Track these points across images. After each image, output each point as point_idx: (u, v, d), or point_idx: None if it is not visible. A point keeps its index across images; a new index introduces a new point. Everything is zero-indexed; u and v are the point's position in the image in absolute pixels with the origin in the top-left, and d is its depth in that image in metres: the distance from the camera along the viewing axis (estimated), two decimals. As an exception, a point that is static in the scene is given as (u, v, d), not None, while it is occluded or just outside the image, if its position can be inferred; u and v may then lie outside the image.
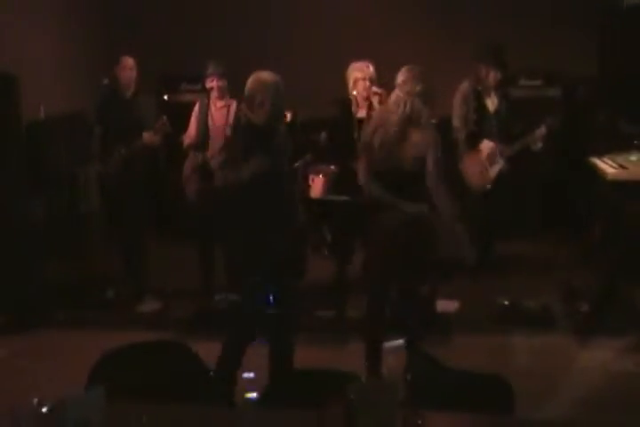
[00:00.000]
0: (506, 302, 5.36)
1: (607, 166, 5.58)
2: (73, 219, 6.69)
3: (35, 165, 5.96)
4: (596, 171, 5.73)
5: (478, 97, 5.91)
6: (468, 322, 5.22)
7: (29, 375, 4.48)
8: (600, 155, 5.83)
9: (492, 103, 5.95)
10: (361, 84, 5.04)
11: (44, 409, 2.08)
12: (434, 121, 6.62)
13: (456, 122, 5.95)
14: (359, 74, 5.04)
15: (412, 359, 2.89)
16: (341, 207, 4.90)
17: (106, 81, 6.01)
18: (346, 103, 5.19)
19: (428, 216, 4.04)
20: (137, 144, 5.47)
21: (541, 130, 5.74)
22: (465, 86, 5.96)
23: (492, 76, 5.87)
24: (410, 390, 2.37)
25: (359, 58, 5.18)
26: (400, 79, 4.04)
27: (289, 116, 5.23)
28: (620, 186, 5.35)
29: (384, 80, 4.88)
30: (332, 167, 5.33)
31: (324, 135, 5.31)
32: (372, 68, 5.07)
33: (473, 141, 5.90)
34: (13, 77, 5.32)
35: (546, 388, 4.20)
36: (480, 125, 5.89)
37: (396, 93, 4.04)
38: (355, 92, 5.08)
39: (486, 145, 5.87)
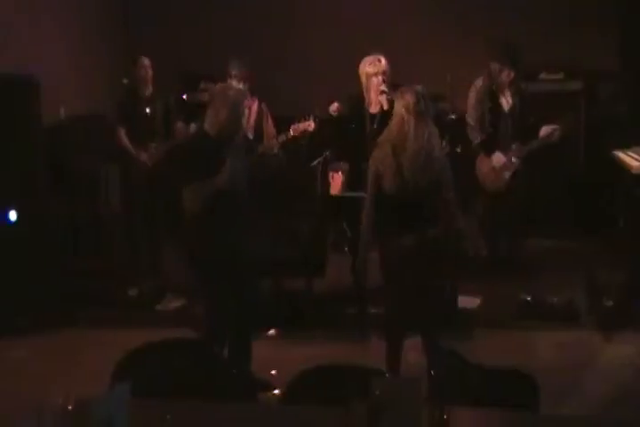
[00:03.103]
0: (528, 298, 5.32)
1: (632, 160, 5.52)
2: (94, 218, 6.73)
3: (55, 166, 6.00)
4: (620, 165, 5.67)
5: (493, 96, 5.81)
6: (491, 318, 5.19)
7: (52, 375, 4.50)
8: (624, 148, 5.77)
9: (506, 102, 5.86)
10: (374, 80, 4.90)
11: (69, 408, 2.08)
12: (453, 116, 6.63)
13: (471, 122, 5.86)
14: (371, 69, 4.91)
15: (436, 356, 2.88)
16: (360, 204, 4.83)
17: (125, 81, 6.13)
18: (359, 99, 5.06)
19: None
20: (177, 136, 5.74)
21: (553, 127, 5.67)
22: (479, 85, 5.86)
23: (506, 75, 5.77)
24: (434, 386, 2.36)
25: (372, 51, 5.03)
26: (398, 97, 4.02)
27: (312, 125, 5.21)
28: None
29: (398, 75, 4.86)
30: (343, 164, 5.26)
31: (327, 154, 5.23)
32: (384, 62, 4.91)
33: (488, 147, 5.82)
34: (34, 79, 5.35)
35: (570, 384, 4.16)
36: (495, 125, 5.80)
37: (400, 116, 3.96)
38: (368, 88, 4.95)
39: (498, 158, 5.80)
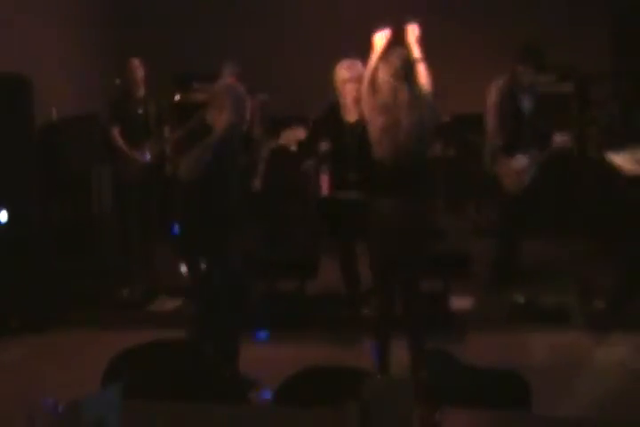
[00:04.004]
0: (521, 300, 5.33)
1: (624, 162, 5.55)
2: (86, 219, 6.72)
3: (48, 167, 6.00)
4: (612, 166, 5.70)
5: (513, 98, 5.57)
6: (483, 319, 5.20)
7: (45, 376, 4.49)
8: (616, 150, 5.78)
9: (526, 105, 5.61)
10: (348, 86, 4.58)
11: (60, 409, 2.08)
12: (447, 119, 6.62)
13: (491, 123, 5.57)
14: (347, 74, 4.59)
15: (429, 357, 2.88)
16: (349, 205, 4.72)
17: (118, 81, 6.17)
18: (334, 107, 4.74)
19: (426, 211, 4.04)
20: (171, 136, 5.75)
21: (564, 134, 5.61)
22: (500, 86, 5.57)
23: (529, 78, 5.55)
24: (426, 388, 2.36)
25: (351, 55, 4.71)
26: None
27: (303, 133, 5.20)
28: (637, 181, 5.31)
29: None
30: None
31: (324, 145, 4.87)
32: (360, 67, 4.48)
33: (509, 149, 5.55)
34: (26, 80, 5.35)
35: (563, 385, 4.17)
36: (515, 128, 5.56)
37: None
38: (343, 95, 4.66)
39: (520, 161, 5.56)
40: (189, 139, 4.06)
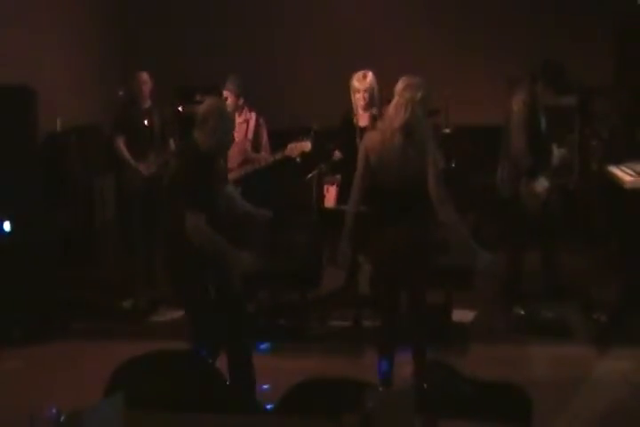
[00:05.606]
0: (522, 312, 5.32)
1: (625, 175, 5.56)
2: (89, 229, 6.74)
3: (52, 177, 6.02)
4: (613, 179, 5.71)
5: (536, 117, 5.39)
6: (485, 332, 5.20)
7: (47, 386, 4.49)
8: (617, 163, 5.80)
9: (544, 123, 5.46)
10: (357, 96, 5.05)
11: (62, 419, 2.08)
12: (447, 130, 6.64)
13: (521, 143, 5.31)
14: (357, 84, 5.04)
15: (429, 369, 2.88)
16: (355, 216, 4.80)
17: (121, 93, 6.21)
18: (348, 114, 5.23)
19: (434, 227, 4.04)
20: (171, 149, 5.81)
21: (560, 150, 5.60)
22: (523, 103, 5.36)
23: (548, 95, 5.42)
24: (427, 400, 2.37)
25: (367, 66, 5.14)
26: (400, 87, 3.96)
27: (309, 146, 5.32)
28: (638, 194, 5.32)
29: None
30: (338, 177, 5.43)
31: (337, 154, 5.38)
32: (369, 79, 5.02)
33: (534, 172, 5.36)
34: (31, 91, 5.38)
35: (563, 399, 4.16)
36: (537, 148, 5.36)
37: (396, 100, 3.94)
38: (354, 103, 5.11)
39: (543, 183, 5.36)
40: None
